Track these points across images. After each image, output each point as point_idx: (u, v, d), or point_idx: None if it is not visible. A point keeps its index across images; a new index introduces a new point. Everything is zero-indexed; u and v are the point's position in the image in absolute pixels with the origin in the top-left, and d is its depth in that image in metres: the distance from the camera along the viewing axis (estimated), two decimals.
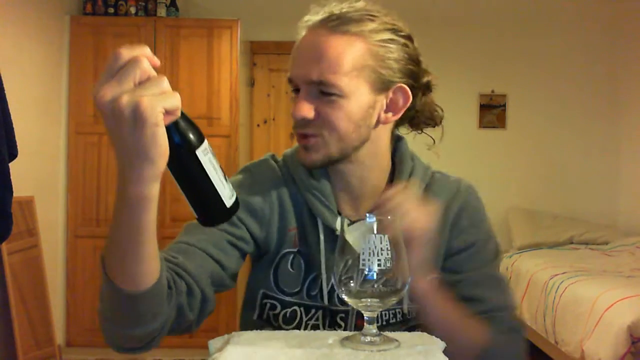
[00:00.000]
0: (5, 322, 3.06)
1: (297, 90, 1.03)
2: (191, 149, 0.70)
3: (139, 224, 0.71)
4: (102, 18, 3.95)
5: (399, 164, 1.12)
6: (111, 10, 3.97)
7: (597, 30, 4.64)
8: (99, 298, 0.84)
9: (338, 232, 1.04)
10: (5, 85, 2.13)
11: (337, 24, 0.98)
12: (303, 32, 1.03)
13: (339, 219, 1.05)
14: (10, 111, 2.16)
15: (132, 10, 3.97)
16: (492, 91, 4.65)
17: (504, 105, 4.66)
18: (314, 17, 1.02)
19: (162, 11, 4.00)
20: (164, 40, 3.91)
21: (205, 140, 0.72)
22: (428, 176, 1.13)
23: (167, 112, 0.65)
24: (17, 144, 2.17)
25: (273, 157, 1.17)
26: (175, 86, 4.39)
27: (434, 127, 1.15)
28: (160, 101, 0.64)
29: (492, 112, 4.66)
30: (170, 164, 0.70)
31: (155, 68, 0.66)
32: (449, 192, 1.11)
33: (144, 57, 0.64)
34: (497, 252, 1.13)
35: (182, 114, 0.69)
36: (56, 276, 3.78)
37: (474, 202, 1.13)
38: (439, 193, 1.10)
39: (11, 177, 2.06)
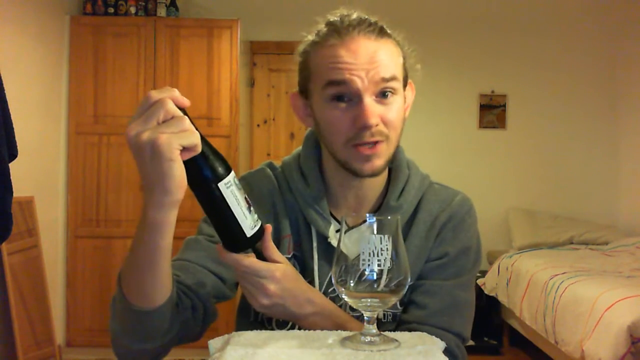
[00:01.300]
0: (5, 322, 3.06)
1: (339, 97, 0.98)
2: (214, 181, 0.77)
3: (156, 245, 0.80)
4: (102, 18, 3.94)
5: (395, 171, 1.12)
6: (111, 10, 3.97)
7: (597, 30, 4.64)
8: (111, 317, 0.90)
9: (330, 240, 1.05)
10: (5, 85, 2.13)
11: (376, 29, 1.01)
12: (333, 41, 0.99)
13: (331, 227, 1.06)
14: (11, 111, 2.15)
15: (132, 10, 3.97)
16: (492, 91, 4.65)
17: (504, 106, 4.66)
18: (340, 24, 1.00)
19: (162, 11, 4.00)
20: (164, 40, 3.91)
21: (231, 173, 0.78)
22: (425, 186, 1.13)
23: (186, 149, 0.73)
24: (17, 144, 2.17)
25: (270, 165, 1.18)
26: (175, 86, 4.41)
27: None
28: (178, 139, 0.72)
29: (492, 112, 4.66)
30: (196, 193, 0.77)
31: (183, 108, 0.74)
32: (442, 203, 1.11)
33: (169, 99, 0.73)
34: (469, 269, 1.09)
35: (211, 148, 0.77)
36: (56, 276, 3.78)
37: (462, 214, 1.10)
38: (432, 203, 1.10)
39: (11, 177, 2.06)
